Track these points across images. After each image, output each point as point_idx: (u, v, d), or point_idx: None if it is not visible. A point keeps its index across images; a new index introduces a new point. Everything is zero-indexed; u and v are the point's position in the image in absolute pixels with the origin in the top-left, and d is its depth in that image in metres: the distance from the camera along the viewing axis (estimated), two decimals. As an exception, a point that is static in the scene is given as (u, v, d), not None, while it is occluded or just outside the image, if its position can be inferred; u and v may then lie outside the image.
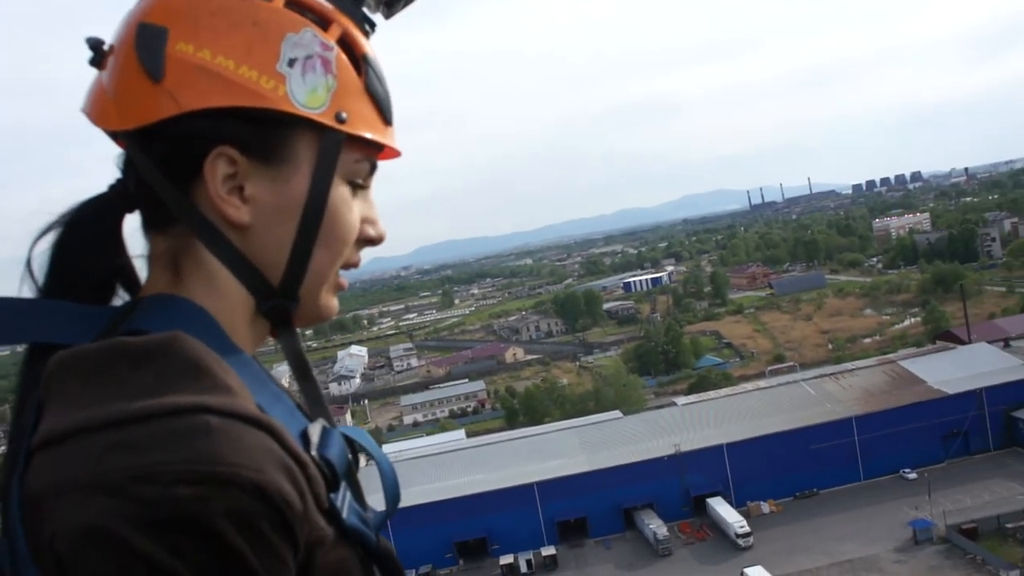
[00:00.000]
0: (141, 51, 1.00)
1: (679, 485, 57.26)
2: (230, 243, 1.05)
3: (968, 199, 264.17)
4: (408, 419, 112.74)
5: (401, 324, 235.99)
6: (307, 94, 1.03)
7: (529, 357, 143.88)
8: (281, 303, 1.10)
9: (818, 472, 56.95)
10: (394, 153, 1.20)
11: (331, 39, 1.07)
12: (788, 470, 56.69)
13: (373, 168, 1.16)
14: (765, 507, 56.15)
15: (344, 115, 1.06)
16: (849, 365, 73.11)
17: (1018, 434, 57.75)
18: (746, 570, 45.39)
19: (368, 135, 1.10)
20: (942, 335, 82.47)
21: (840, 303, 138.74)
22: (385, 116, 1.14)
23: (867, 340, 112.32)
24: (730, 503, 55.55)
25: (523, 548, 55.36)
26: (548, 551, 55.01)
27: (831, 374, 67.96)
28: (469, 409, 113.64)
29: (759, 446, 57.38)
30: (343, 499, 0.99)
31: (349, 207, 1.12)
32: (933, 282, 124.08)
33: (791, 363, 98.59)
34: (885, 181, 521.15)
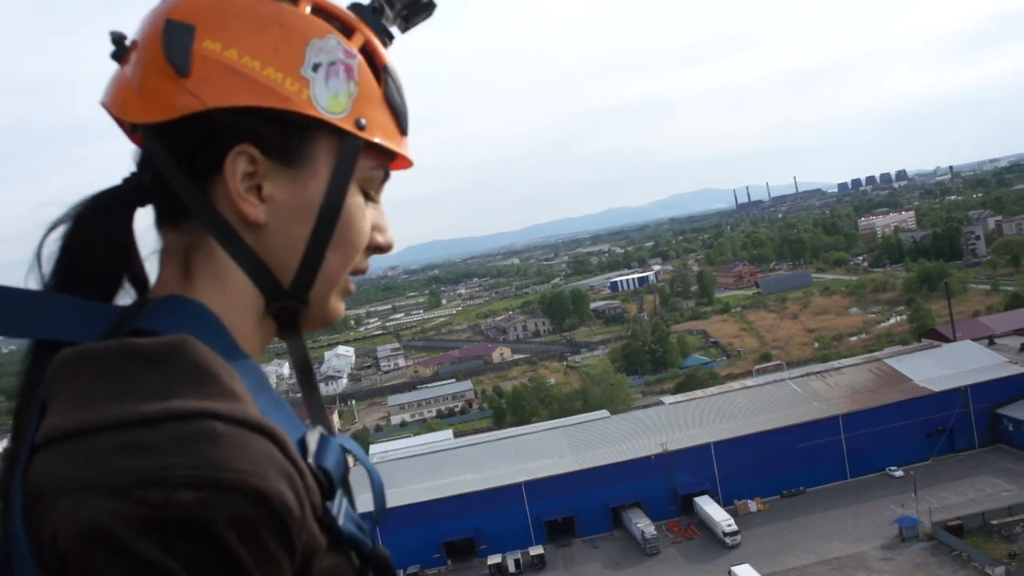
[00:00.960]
0: (168, 47, 1.01)
1: (666, 484, 57.32)
2: (244, 241, 1.05)
3: (953, 197, 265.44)
4: (395, 419, 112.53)
5: (388, 324, 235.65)
6: (329, 99, 1.05)
7: (516, 357, 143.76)
8: (290, 304, 1.11)
9: (805, 470, 57.14)
10: (407, 163, 1.22)
11: (354, 47, 1.09)
12: (775, 468, 56.86)
13: (386, 176, 1.19)
14: (752, 505, 56.28)
15: (363, 122, 1.09)
16: (835, 363, 73.30)
17: (1003, 431, 58.08)
18: (734, 568, 45.44)
19: (385, 143, 1.12)
20: (927, 333, 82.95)
21: (826, 302, 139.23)
22: (402, 126, 1.16)
23: (853, 338, 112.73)
24: (717, 502, 55.68)
25: (511, 548, 55.33)
26: (536, 550, 54.98)
27: (817, 373, 68.15)
28: (456, 409, 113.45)
29: (746, 445, 57.53)
30: (339, 506, 0.99)
31: (363, 213, 1.13)
32: (918, 280, 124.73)
33: (778, 362, 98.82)
34: (871, 180, 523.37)
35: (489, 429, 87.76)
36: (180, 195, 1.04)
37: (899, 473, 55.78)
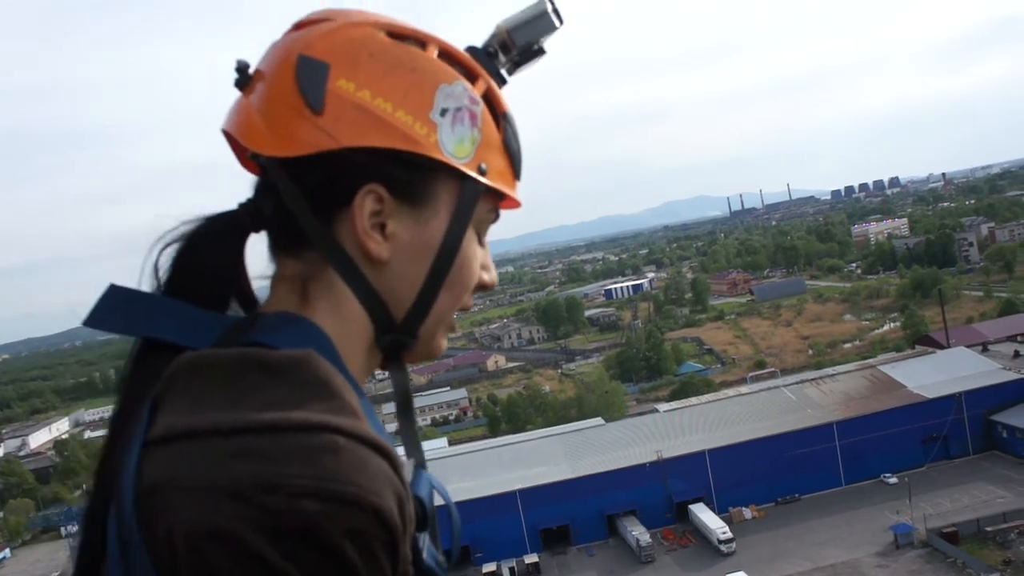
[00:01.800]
0: (303, 83, 1.02)
1: (662, 491, 57.31)
2: (365, 276, 1.07)
3: (946, 204, 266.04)
4: (390, 428, 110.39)
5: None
6: (455, 144, 1.08)
7: (511, 364, 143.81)
8: (400, 338, 1.13)
9: (800, 477, 57.14)
10: (515, 204, 1.24)
11: (477, 93, 1.13)
12: (770, 476, 56.87)
13: (496, 218, 1.22)
14: (747, 513, 56.26)
15: (484, 167, 1.12)
16: (829, 370, 73.51)
17: (997, 438, 58.20)
18: (729, 576, 45.47)
19: (503, 188, 1.16)
20: (921, 340, 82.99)
21: (820, 309, 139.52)
22: (516, 172, 1.20)
23: (847, 345, 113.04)
24: (712, 509, 55.68)
25: (506, 556, 55.27)
26: (531, 558, 55.02)
27: (812, 380, 68.25)
28: (451, 417, 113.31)
29: (741, 452, 57.53)
30: (424, 540, 1.01)
31: (475, 253, 1.17)
32: (912, 287, 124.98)
33: (772, 369, 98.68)
34: (864, 187, 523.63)
35: (484, 437, 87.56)
36: (304, 227, 1.06)
37: (894, 480, 55.83)
